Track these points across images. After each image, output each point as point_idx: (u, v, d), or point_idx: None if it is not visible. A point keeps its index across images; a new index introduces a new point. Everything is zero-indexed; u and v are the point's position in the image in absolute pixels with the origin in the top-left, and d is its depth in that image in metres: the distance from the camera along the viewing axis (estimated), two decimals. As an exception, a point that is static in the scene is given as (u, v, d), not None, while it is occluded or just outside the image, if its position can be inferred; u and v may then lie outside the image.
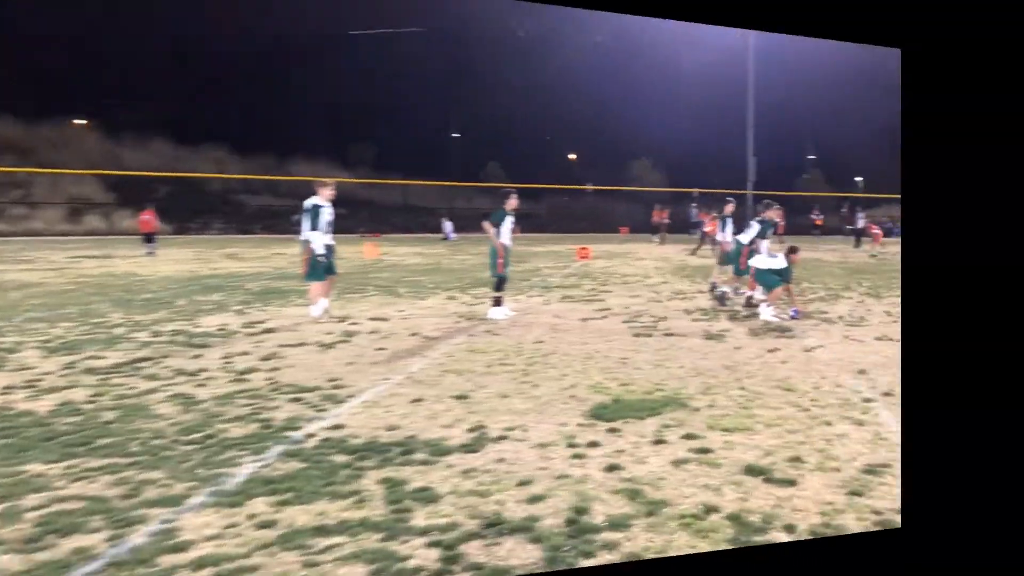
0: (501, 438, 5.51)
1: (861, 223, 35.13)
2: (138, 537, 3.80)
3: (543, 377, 7.49)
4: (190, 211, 44.03)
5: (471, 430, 5.68)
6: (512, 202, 11.42)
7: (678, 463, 5.16)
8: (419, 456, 5.08)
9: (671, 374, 7.89)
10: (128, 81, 51.52)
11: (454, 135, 69.36)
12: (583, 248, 26.40)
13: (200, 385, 7.01)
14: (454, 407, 6.33)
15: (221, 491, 4.41)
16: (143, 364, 7.90)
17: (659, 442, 5.61)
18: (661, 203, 43.47)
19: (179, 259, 23.52)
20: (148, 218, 25.27)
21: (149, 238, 24.86)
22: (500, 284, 11.53)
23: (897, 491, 4.49)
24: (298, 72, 62.06)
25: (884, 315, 11.82)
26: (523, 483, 4.64)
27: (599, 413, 6.29)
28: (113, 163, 43.18)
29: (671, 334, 10.37)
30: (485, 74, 69.66)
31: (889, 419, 6.01)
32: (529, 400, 6.60)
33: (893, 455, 5.14)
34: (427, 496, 4.39)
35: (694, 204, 49.29)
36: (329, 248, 10.67)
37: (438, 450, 5.20)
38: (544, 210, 57.55)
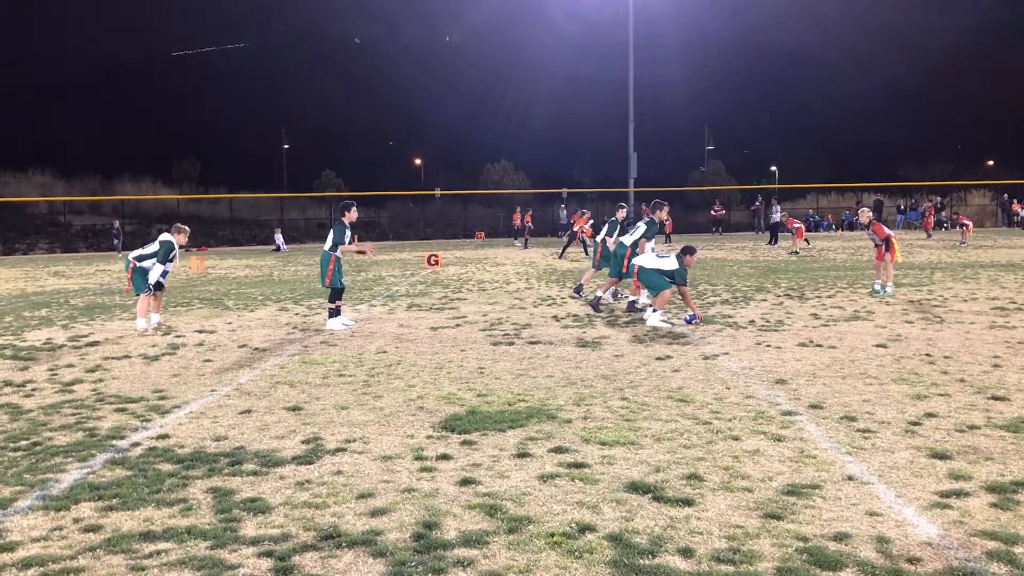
0: (339, 450, 5.87)
1: (778, 217, 36.65)
2: (-32, 536, 4.41)
3: (387, 388, 7.91)
4: (17, 232, 51.55)
5: (305, 442, 6.12)
6: (352, 214, 12.35)
7: (545, 478, 5.09)
8: (249, 467, 5.53)
9: (537, 384, 7.89)
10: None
11: (285, 146, 78.09)
12: (433, 255, 26.42)
13: (27, 396, 8.06)
14: (286, 418, 6.86)
15: (48, 495, 5.05)
16: (-28, 376, 9.05)
17: (523, 455, 5.56)
18: (523, 205, 44.45)
19: (7, 278, 26.40)
20: None
21: None
22: (337, 294, 12.30)
23: (829, 515, 4.43)
24: (122, 94, 72.35)
25: (810, 318, 11.99)
26: (364, 496, 4.92)
27: (451, 425, 6.42)
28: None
29: (537, 342, 10.37)
30: (319, 83, 74.97)
31: (818, 435, 5.99)
32: (371, 412, 7.02)
33: (824, 474, 5.09)
34: (257, 506, 4.76)
35: (563, 205, 50.77)
36: (164, 274, 12.65)
37: (269, 461, 5.63)
38: (387, 217, 61.19)
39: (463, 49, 79.86)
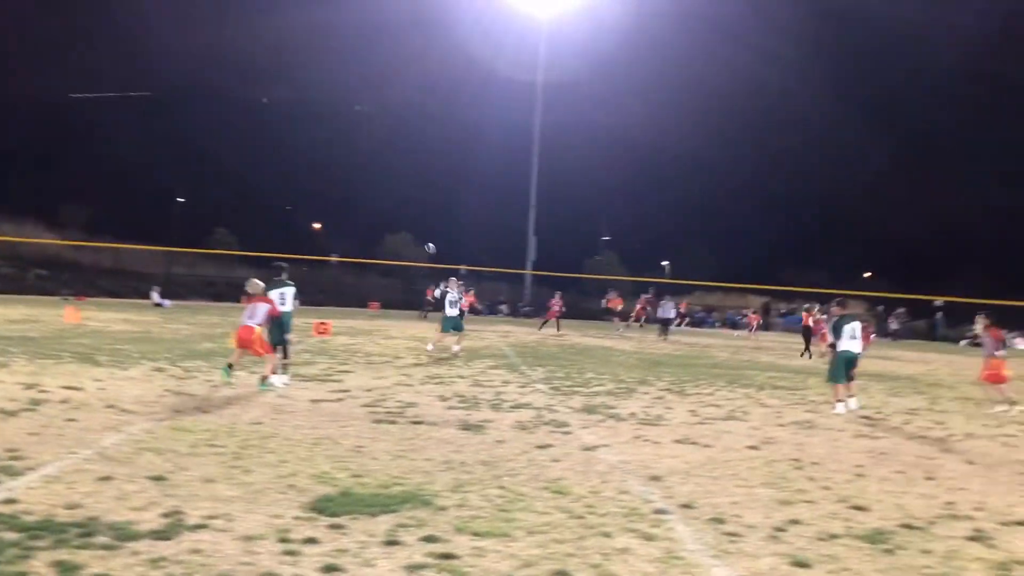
0: (200, 526, 5.63)
1: (672, 313, 37.47)
2: None
3: (258, 462, 7.64)
4: None
5: (165, 515, 5.84)
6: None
7: (413, 568, 5.00)
8: (100, 539, 5.24)
9: (415, 467, 7.77)
10: None
11: (179, 199, 76.80)
12: (322, 323, 25.99)
13: None
14: (148, 488, 6.55)
15: None
16: None
17: (392, 543, 5.44)
18: (434, 281, 44.70)
19: None
20: None
21: None
22: (285, 350, 13.31)
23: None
24: (11, 131, 69.77)
25: (688, 415, 12.15)
26: (221, 579, 4.71)
27: (322, 506, 6.23)
28: None
29: (420, 422, 10.25)
30: (222, 140, 74.59)
31: (686, 535, 6.04)
32: (238, 486, 6.76)
33: (689, 577, 5.15)
34: (106, 584, 4.51)
35: (461, 282, 51.31)
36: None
37: (124, 534, 5.36)
38: (278, 280, 60.28)
39: (371, 118, 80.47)
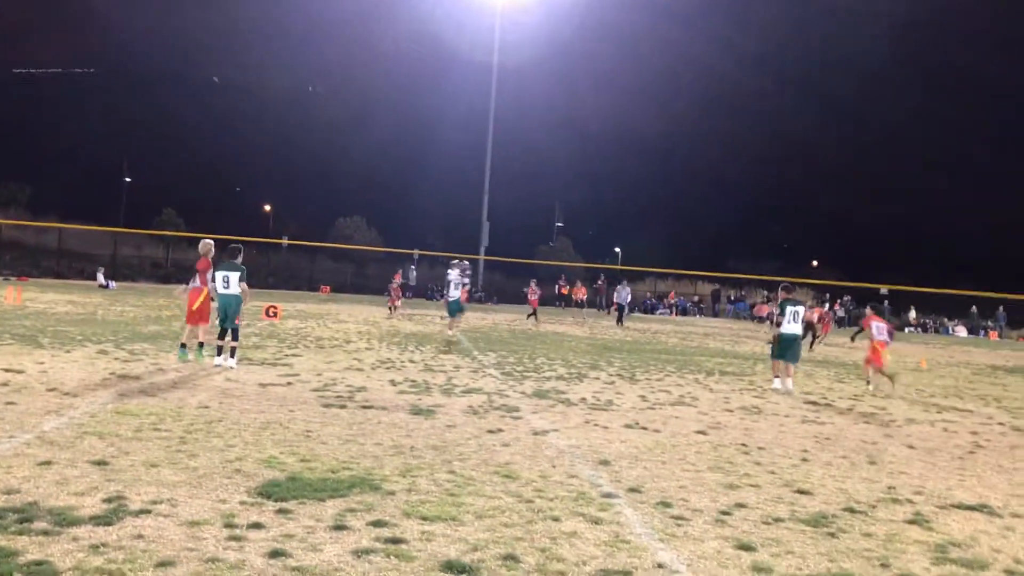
0: (143, 512, 5.54)
1: (627, 297, 37.50)
2: None
3: (204, 447, 7.53)
4: None
5: (107, 500, 5.73)
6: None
7: (360, 553, 4.96)
8: (39, 525, 5.13)
9: (364, 452, 7.73)
10: None
11: (126, 179, 75.41)
12: (272, 306, 25.67)
13: None
14: (90, 473, 6.42)
15: None
16: None
17: (339, 528, 5.40)
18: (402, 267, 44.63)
19: None
20: None
21: None
22: (234, 334, 13.34)
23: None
24: None
25: (638, 400, 12.32)
26: (164, 564, 4.64)
27: (268, 491, 6.16)
28: None
29: (370, 407, 10.20)
30: (170, 119, 73.04)
31: (633, 519, 6.10)
32: (183, 471, 6.66)
33: (635, 560, 5.17)
34: (43, 571, 4.43)
35: (413, 266, 51.17)
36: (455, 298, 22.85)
37: (64, 520, 5.25)
38: (226, 262, 59.62)
39: (324, 99, 79.61)
